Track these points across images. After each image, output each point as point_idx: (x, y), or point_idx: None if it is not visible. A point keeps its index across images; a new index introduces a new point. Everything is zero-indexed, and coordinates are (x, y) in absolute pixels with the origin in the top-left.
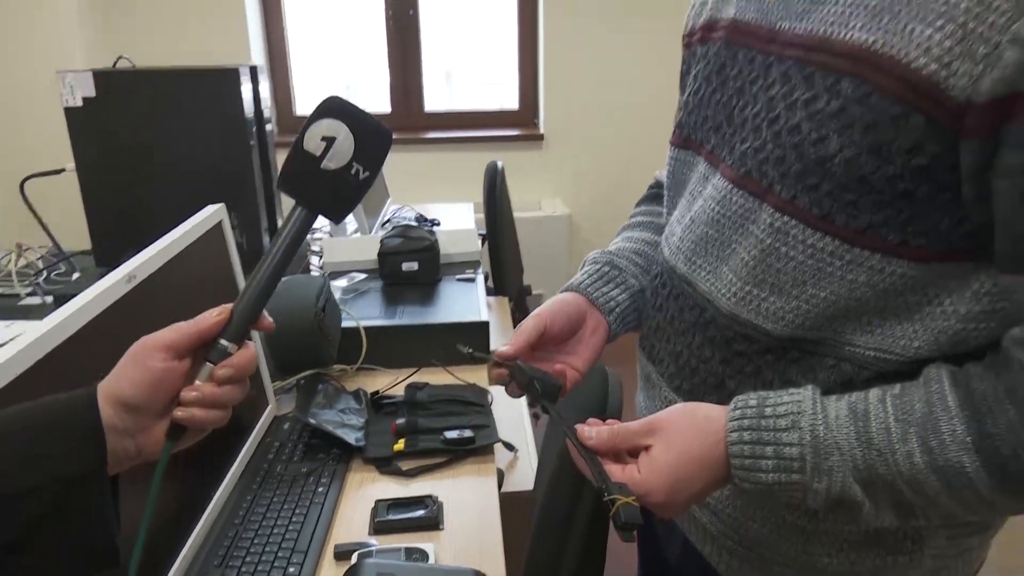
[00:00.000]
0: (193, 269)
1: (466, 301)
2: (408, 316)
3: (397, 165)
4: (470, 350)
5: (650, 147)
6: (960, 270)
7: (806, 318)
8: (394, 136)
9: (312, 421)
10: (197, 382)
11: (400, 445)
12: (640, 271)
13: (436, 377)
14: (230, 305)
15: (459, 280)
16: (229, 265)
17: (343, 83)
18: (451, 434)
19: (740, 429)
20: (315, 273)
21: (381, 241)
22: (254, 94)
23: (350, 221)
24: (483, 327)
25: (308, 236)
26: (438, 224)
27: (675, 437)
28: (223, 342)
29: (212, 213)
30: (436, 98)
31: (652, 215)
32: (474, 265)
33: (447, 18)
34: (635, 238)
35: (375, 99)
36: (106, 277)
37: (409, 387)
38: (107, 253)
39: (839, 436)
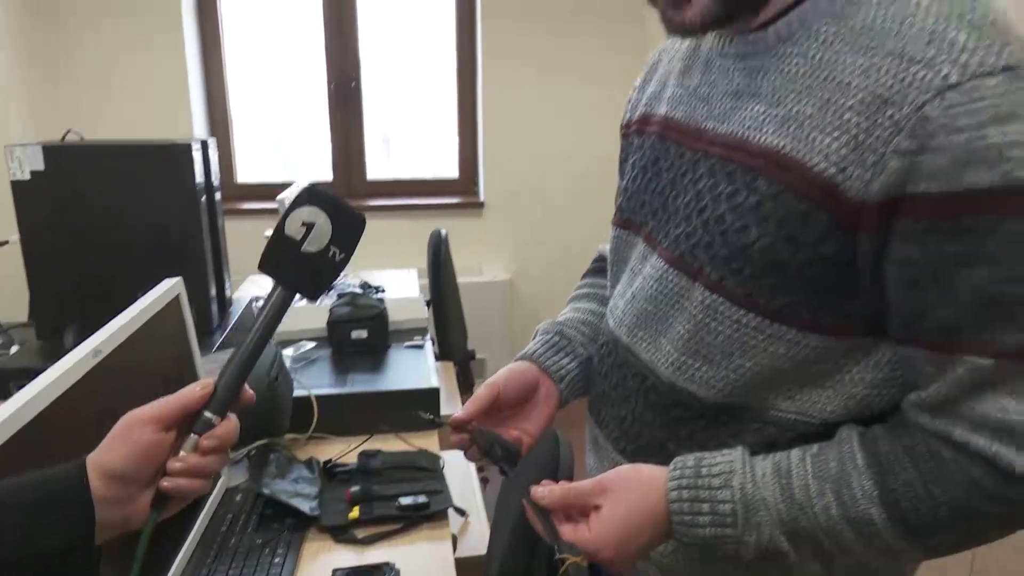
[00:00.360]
0: (151, 342)
1: (415, 368)
2: (359, 384)
3: None
4: (431, 416)
5: (586, 213)
6: (864, 343)
7: (734, 386)
8: None
9: (266, 491)
10: (182, 453)
11: (355, 513)
12: (587, 340)
13: (388, 444)
14: (212, 379)
15: (407, 347)
16: (186, 338)
17: (283, 147)
18: (406, 500)
19: (679, 488)
20: None
21: (330, 310)
22: (205, 168)
23: None
24: (433, 394)
25: (254, 304)
26: (383, 291)
27: (621, 496)
28: (207, 414)
29: (171, 287)
30: (376, 163)
31: (597, 287)
32: (421, 331)
33: (388, 87)
34: (582, 308)
35: (316, 165)
36: (73, 351)
37: (362, 455)
38: (49, 326)
39: (766, 493)
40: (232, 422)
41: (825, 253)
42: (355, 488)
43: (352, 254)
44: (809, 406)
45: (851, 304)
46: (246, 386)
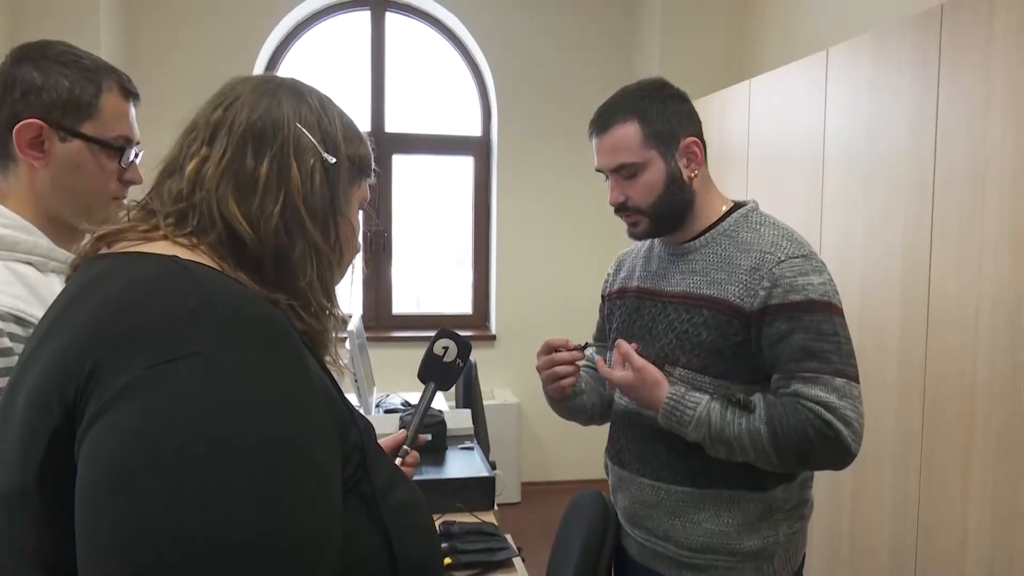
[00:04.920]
0: None
1: (471, 463)
2: (432, 473)
3: (373, 359)
4: (581, 345)
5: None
6: (765, 387)
7: None
8: (369, 336)
9: None
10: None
11: (448, 560)
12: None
13: (460, 517)
14: (405, 431)
15: (461, 448)
16: None
17: None
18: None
19: (674, 385)
20: None
21: (400, 418)
22: None
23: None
24: (491, 481)
25: None
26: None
27: (651, 371)
28: (405, 447)
29: None
30: (400, 299)
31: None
32: (469, 437)
33: (414, 236)
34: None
35: (347, 299)
36: None
37: (444, 523)
38: None
39: (713, 403)
40: (416, 453)
41: (738, 340)
42: (444, 544)
43: (467, 362)
44: None
45: (753, 365)
46: (419, 437)
